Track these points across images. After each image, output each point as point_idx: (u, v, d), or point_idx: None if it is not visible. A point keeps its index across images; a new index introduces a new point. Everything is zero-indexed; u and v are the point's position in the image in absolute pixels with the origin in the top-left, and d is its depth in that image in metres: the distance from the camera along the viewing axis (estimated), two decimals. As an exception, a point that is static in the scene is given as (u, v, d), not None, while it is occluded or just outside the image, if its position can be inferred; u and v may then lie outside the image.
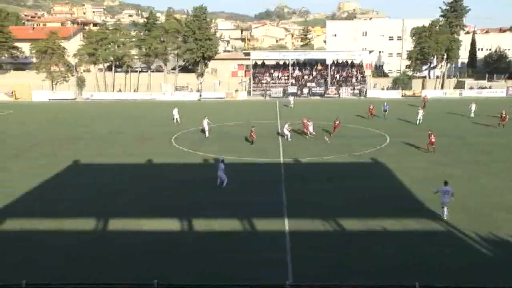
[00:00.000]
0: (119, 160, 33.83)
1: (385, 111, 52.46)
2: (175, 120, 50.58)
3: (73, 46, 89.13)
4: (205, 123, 42.21)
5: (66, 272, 16.07)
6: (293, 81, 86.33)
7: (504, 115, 44.66)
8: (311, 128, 40.34)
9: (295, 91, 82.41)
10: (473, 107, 52.72)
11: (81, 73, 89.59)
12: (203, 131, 42.40)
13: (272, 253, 17.78)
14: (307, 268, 16.48)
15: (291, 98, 68.70)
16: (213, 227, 20.54)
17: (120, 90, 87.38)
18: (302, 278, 15.52)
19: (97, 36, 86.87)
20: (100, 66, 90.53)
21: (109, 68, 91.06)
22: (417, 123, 46.91)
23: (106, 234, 20.16)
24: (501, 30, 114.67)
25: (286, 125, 40.31)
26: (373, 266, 16.56)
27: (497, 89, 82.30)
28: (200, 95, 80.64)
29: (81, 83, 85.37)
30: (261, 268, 16.44)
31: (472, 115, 52.14)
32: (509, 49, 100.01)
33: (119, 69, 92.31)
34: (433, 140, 33.43)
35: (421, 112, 48.03)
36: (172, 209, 22.84)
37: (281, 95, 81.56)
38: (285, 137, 39.63)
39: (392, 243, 18.60)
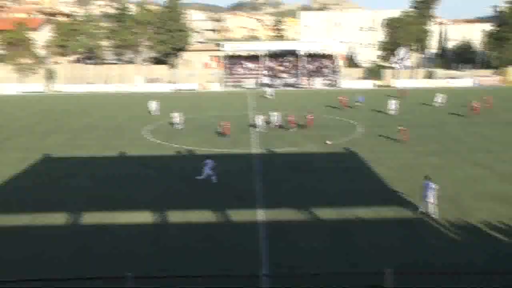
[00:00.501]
0: (92, 152, 33.28)
1: (359, 102, 52.65)
2: (151, 112, 49.95)
3: (41, 37, 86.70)
4: (175, 115, 42.02)
5: (38, 267, 15.66)
6: (266, 72, 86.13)
7: (475, 105, 45.32)
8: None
9: (268, 82, 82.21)
10: (440, 97, 53.45)
11: (51, 65, 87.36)
12: (174, 123, 42.06)
13: (247, 243, 17.70)
14: (282, 258, 16.40)
15: (271, 89, 68.38)
16: (189, 218, 20.30)
17: (91, 82, 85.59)
18: (277, 268, 15.43)
19: (66, 27, 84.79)
20: (71, 58, 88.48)
21: (79, 60, 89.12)
22: (392, 114, 47.24)
23: (81, 228, 19.76)
24: (469, 21, 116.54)
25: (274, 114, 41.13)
26: (348, 255, 16.59)
27: (465, 79, 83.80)
28: (176, 87, 79.77)
29: (50, 75, 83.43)
30: (236, 258, 16.35)
31: (437, 105, 52.78)
32: (476, 39, 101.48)
33: (90, 61, 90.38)
34: (404, 133, 33.80)
35: (394, 102, 48.38)
36: (147, 201, 22.57)
37: (254, 86, 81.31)
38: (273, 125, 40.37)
39: (367, 232, 18.68)
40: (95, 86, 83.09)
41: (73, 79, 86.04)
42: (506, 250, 16.76)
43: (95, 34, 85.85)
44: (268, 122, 40.71)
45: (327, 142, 27.87)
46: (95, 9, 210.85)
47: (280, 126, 40.30)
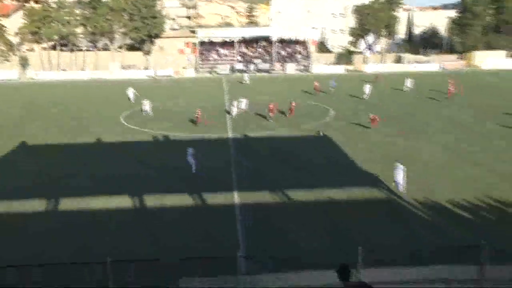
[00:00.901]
0: (68, 140, 32.70)
1: (332, 87, 52.38)
2: (131, 99, 48.50)
3: (13, 23, 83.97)
4: (145, 103, 41.19)
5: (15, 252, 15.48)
6: (240, 58, 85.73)
7: (451, 89, 45.82)
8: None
9: (242, 67, 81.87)
10: (409, 82, 53.79)
11: (24, 52, 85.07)
12: (143, 111, 41.05)
13: (223, 225, 17.77)
14: (257, 239, 16.53)
15: (246, 75, 67.98)
16: (164, 202, 20.27)
17: (65, 69, 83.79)
18: (253, 249, 15.56)
19: (39, 14, 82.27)
20: (44, 45, 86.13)
21: (54, 47, 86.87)
22: (365, 98, 47.53)
23: (57, 213, 19.53)
24: (435, 8, 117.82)
25: (236, 101, 40.36)
26: (322, 234, 16.83)
27: (431, 63, 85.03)
28: (155, 72, 78.76)
29: (24, 63, 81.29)
30: (213, 240, 16.41)
31: (407, 89, 53.15)
32: (441, 26, 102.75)
33: (64, 48, 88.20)
34: (375, 120, 33.12)
35: (368, 86, 48.73)
36: (123, 186, 22.44)
37: (228, 71, 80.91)
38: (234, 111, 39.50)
39: (340, 212, 18.95)
40: (71, 73, 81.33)
41: (49, 66, 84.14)
42: (467, 225, 17.28)
43: (69, 21, 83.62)
44: (239, 108, 40.33)
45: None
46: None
47: (258, 114, 39.65)
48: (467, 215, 18.42)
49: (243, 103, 41.11)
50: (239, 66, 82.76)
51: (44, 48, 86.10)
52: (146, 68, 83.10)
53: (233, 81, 67.15)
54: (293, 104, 38.99)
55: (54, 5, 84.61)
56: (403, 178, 20.42)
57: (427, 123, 35.70)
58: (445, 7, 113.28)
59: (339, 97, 49.37)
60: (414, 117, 37.78)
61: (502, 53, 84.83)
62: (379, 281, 11.22)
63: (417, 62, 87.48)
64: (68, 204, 20.41)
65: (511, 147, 28.17)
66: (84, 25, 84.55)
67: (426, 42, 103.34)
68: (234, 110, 39.60)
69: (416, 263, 11.87)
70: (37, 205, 20.28)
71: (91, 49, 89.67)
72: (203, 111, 36.58)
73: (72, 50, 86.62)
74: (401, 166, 20.57)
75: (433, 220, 18.01)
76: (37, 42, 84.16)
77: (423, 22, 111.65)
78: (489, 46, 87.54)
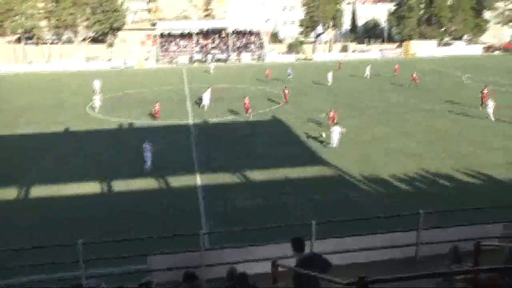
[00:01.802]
0: (36, 130, 31.50)
1: (289, 75, 51.62)
2: (95, 91, 43.88)
3: (-24, 18, 79.50)
4: (96, 98, 37.76)
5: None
6: (198, 49, 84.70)
7: (415, 76, 45.42)
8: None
9: (200, 57, 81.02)
10: (368, 69, 53.68)
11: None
12: (94, 105, 37.48)
13: (187, 205, 17.73)
14: (218, 217, 16.60)
15: (212, 65, 66.50)
16: (131, 186, 19.98)
17: (31, 62, 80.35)
18: (214, 226, 15.65)
19: (2, 7, 78.18)
20: (9, 38, 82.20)
21: (19, 40, 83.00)
22: (329, 84, 47.40)
23: (29, 201, 18.94)
24: (375, 1, 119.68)
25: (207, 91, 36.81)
26: (277, 211, 17.05)
27: (373, 52, 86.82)
28: (125, 63, 76.73)
29: (-11, 55, 77.08)
30: (178, 220, 16.34)
31: (367, 75, 53.09)
32: (382, 18, 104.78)
33: (29, 41, 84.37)
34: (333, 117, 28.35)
35: (330, 74, 48.62)
36: (91, 172, 21.93)
37: (187, 62, 79.87)
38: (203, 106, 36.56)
39: (294, 189, 19.21)
40: (37, 65, 78.12)
41: (15, 59, 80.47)
42: (407, 196, 17.93)
43: (33, 14, 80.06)
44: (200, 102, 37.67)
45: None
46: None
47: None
48: (405, 186, 19.09)
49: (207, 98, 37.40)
50: (198, 56, 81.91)
51: (9, 42, 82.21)
52: (109, 60, 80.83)
53: (192, 71, 66.27)
54: (286, 90, 37.92)
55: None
56: (338, 137, 24.36)
57: (370, 104, 36.58)
58: (385, 0, 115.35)
59: (295, 84, 48.21)
60: (357, 99, 38.52)
61: (433, 42, 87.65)
62: (328, 251, 11.50)
63: (361, 50, 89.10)
64: (37, 191, 19.83)
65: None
66: (48, 18, 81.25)
67: (369, 33, 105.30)
68: (206, 102, 36.55)
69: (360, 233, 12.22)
70: (7, 192, 19.61)
71: (55, 42, 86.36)
72: (161, 105, 34.87)
73: (37, 44, 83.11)
74: (337, 128, 24.60)
75: (376, 191, 18.59)
76: (1, 35, 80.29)
77: (365, 14, 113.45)
78: (423, 36, 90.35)
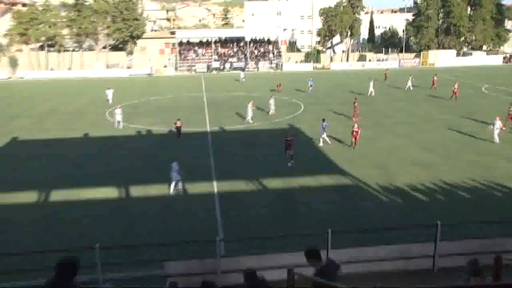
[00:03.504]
0: (57, 135, 32.03)
1: (311, 86, 49.71)
2: (108, 100, 44.79)
3: (2, 26, 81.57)
4: (118, 112, 34.49)
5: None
6: (216, 57, 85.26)
7: (455, 88, 42.70)
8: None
9: (218, 66, 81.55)
10: (410, 81, 50.89)
11: (13, 53, 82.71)
12: (115, 122, 34.50)
13: (204, 212, 17.78)
14: (234, 224, 16.60)
15: (242, 73, 66.65)
16: (150, 192, 20.13)
17: (53, 69, 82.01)
18: (230, 233, 15.64)
19: (26, 16, 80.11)
20: (32, 46, 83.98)
21: (42, 48, 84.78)
22: (372, 94, 45.76)
23: (49, 206, 19.21)
24: (393, 11, 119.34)
25: (250, 104, 35.39)
26: (291, 219, 16.99)
27: (392, 61, 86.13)
28: (151, 69, 77.58)
29: (13, 62, 79.21)
30: (194, 226, 16.39)
31: (410, 87, 50.32)
32: (399, 27, 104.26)
33: (51, 48, 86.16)
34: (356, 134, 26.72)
35: (372, 84, 46.89)
36: (111, 177, 22.17)
37: (206, 69, 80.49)
38: (247, 119, 34.89)
39: (309, 197, 19.13)
40: (58, 72, 79.71)
41: (37, 66, 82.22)
42: (422, 206, 17.70)
43: (55, 23, 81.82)
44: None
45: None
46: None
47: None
48: (421, 196, 18.86)
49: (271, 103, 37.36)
50: (216, 64, 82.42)
51: (32, 49, 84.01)
52: (129, 67, 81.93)
53: (210, 79, 66.70)
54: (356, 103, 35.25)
55: (40, 8, 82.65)
56: (325, 132, 26.76)
57: (386, 114, 36.23)
58: (402, 10, 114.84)
59: (315, 93, 48.06)
60: (379, 111, 38.25)
61: (452, 52, 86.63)
62: (345, 260, 11.43)
63: (378, 60, 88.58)
64: (55, 195, 20.11)
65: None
66: (69, 27, 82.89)
67: (386, 42, 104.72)
68: (250, 114, 34.99)
69: (376, 243, 12.10)
70: (25, 196, 19.94)
71: (76, 49, 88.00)
72: (185, 101, 35.30)
73: (59, 51, 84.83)
74: (323, 123, 26.82)
75: (393, 201, 18.41)
76: (25, 43, 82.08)
77: (383, 23, 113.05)
78: (441, 46, 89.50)
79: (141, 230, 16.20)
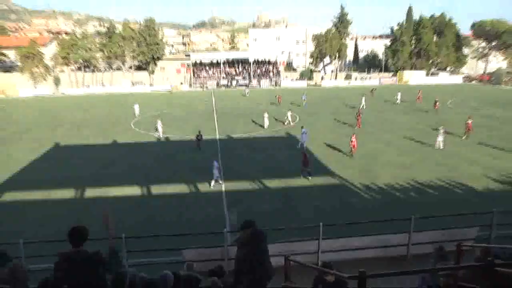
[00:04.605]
0: (91, 141, 32.16)
1: (304, 100, 49.68)
2: (135, 114, 44.45)
3: (49, 51, 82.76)
4: (159, 123, 33.60)
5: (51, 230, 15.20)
6: (224, 76, 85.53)
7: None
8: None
9: (226, 83, 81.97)
10: (399, 95, 50.49)
11: (57, 73, 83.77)
12: (156, 133, 33.64)
13: (213, 209, 17.74)
14: (240, 219, 16.54)
15: (247, 89, 67.18)
16: (166, 190, 20.14)
17: (88, 86, 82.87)
18: (236, 227, 15.57)
19: (68, 43, 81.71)
20: (72, 67, 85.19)
21: (80, 68, 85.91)
22: (364, 107, 44.28)
23: (81, 200, 19.25)
24: (374, 37, 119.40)
25: (265, 114, 36.35)
26: (290, 215, 16.94)
27: (372, 80, 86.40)
28: (171, 86, 78.07)
29: (57, 81, 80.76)
30: (204, 220, 16.38)
31: (398, 102, 49.69)
32: (379, 51, 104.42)
33: (87, 69, 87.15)
34: (354, 143, 25.51)
35: (363, 98, 46.29)
36: (132, 178, 22.16)
37: (215, 86, 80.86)
38: (264, 126, 35.38)
39: (305, 196, 19.08)
40: (92, 88, 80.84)
41: (75, 83, 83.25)
42: (398, 202, 17.65)
43: (91, 48, 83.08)
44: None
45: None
46: (90, 28, 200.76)
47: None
48: (399, 194, 18.80)
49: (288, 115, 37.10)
50: (224, 82, 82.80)
51: (72, 70, 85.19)
52: (151, 85, 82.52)
53: (220, 94, 66.86)
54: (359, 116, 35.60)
55: (79, 36, 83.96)
56: (305, 139, 26.79)
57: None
58: (382, 36, 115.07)
59: (309, 106, 48.31)
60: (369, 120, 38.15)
61: (423, 72, 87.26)
62: (334, 249, 11.41)
63: (362, 78, 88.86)
64: (88, 192, 20.16)
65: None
66: (102, 51, 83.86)
67: (368, 63, 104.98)
68: (266, 122, 35.69)
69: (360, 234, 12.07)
70: (65, 193, 19.97)
71: (107, 69, 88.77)
72: (197, 111, 35.58)
73: (93, 71, 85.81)
74: (305, 130, 26.97)
75: (375, 198, 18.35)
76: (67, 64, 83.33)
77: (366, 47, 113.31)
78: (414, 67, 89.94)
79: (160, 221, 16.22)
